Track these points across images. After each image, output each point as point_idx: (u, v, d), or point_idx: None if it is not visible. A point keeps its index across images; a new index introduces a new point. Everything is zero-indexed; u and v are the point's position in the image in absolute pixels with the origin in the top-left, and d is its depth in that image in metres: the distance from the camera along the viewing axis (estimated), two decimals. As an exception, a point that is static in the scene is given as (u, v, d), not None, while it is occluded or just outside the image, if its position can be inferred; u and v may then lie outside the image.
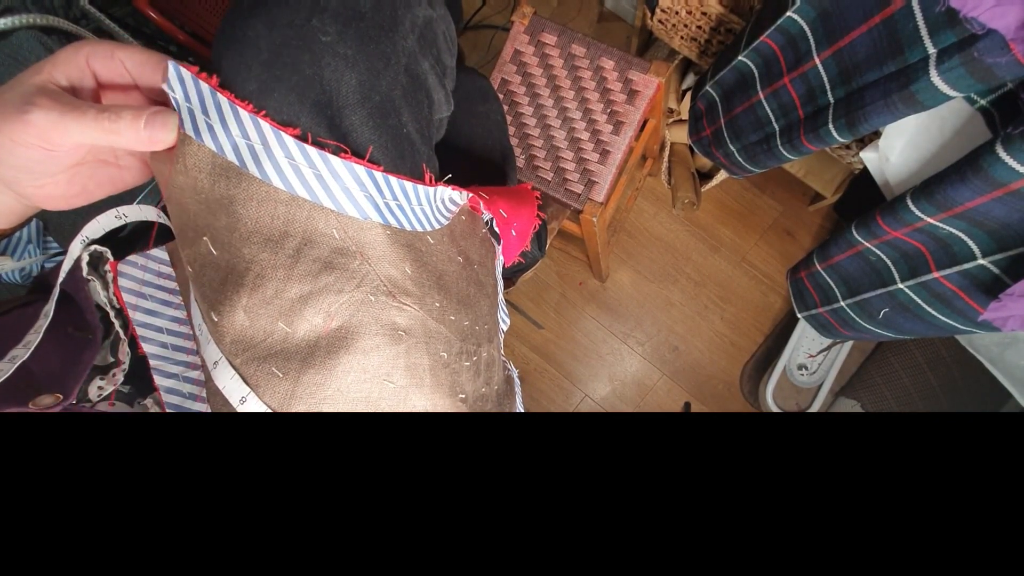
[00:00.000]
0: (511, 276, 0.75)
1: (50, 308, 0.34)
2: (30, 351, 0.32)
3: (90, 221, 0.35)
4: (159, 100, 0.30)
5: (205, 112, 0.28)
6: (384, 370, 0.30)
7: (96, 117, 0.27)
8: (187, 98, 0.28)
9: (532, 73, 0.81)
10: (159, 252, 0.40)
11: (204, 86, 0.28)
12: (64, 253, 0.47)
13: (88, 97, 0.30)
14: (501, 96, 0.82)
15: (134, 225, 0.45)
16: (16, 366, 0.31)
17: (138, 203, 0.37)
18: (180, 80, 0.28)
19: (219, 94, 0.28)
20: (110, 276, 0.37)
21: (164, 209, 0.36)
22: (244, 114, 0.28)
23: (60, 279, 0.34)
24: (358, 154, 0.30)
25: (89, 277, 0.36)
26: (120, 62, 0.29)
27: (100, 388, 0.37)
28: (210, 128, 0.28)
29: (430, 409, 0.32)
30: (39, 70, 0.28)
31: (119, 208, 0.36)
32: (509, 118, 0.81)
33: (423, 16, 0.34)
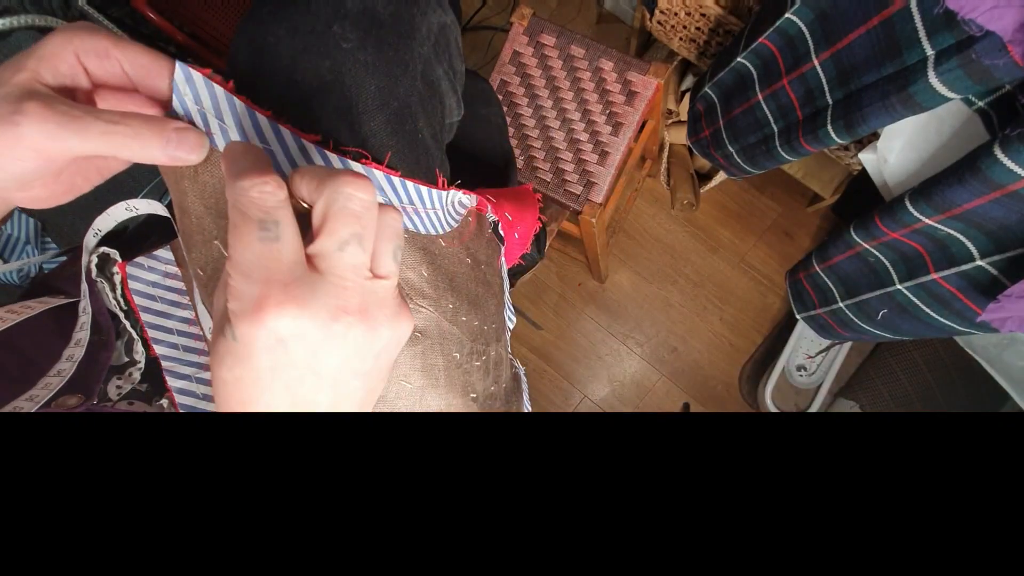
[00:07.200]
0: (510, 278, 0.75)
1: (87, 304, 0.34)
2: (84, 348, 0.32)
3: (95, 218, 0.35)
4: (161, 104, 0.29)
5: (219, 116, 0.27)
6: (402, 371, 0.31)
7: (105, 131, 0.24)
8: (197, 100, 0.27)
9: (531, 74, 0.81)
10: (164, 252, 0.40)
11: (218, 89, 0.27)
12: (63, 254, 0.47)
13: (83, 99, 0.27)
14: (500, 97, 0.82)
15: (135, 226, 0.45)
16: (76, 364, 0.31)
17: (142, 197, 0.37)
18: (189, 81, 0.27)
19: (236, 99, 0.27)
20: (118, 278, 0.37)
21: (170, 205, 0.36)
22: (263, 119, 0.27)
23: (84, 273, 0.34)
24: (376, 159, 0.30)
25: (97, 279, 0.36)
26: (117, 62, 0.27)
27: (119, 387, 0.37)
28: (224, 132, 0.27)
29: (444, 408, 0.33)
30: (21, 67, 0.24)
31: (129, 201, 0.36)
32: (508, 119, 0.81)
33: (438, 22, 0.34)
